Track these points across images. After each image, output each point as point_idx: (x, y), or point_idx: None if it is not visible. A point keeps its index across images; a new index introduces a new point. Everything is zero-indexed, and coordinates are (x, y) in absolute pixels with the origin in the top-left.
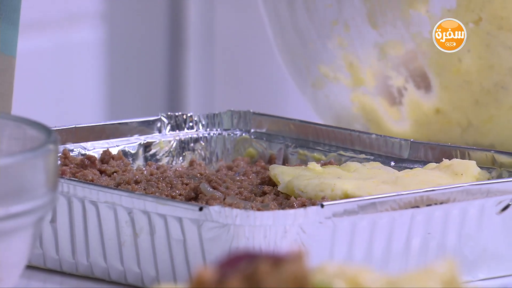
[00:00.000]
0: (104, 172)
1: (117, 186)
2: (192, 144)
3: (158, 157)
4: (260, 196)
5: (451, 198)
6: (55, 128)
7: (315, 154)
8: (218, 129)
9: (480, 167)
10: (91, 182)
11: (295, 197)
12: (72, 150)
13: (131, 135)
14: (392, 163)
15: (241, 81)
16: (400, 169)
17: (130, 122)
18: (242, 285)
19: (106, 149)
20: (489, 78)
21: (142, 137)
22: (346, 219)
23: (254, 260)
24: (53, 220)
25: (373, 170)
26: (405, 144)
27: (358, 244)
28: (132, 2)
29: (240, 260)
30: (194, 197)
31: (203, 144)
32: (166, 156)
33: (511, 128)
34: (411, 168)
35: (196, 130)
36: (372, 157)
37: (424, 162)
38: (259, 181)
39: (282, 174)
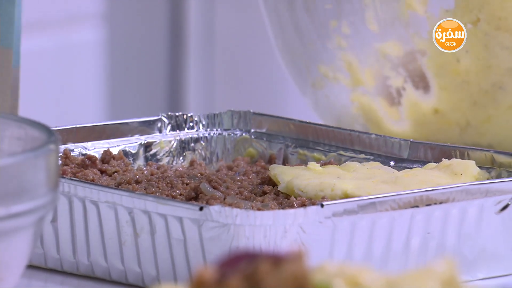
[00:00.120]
0: (105, 172)
1: (117, 186)
2: (192, 144)
3: (158, 157)
4: (260, 196)
5: (450, 198)
6: (56, 128)
7: (315, 154)
8: (219, 129)
9: (480, 167)
10: (92, 182)
11: (295, 197)
12: (72, 150)
13: (132, 135)
14: (392, 163)
15: (241, 81)
16: (399, 169)
17: (131, 122)
18: (242, 285)
19: (106, 149)
20: (487, 79)
21: (143, 137)
22: (346, 218)
23: (254, 260)
24: (54, 220)
25: (373, 170)
26: (404, 144)
27: (358, 243)
28: (132, 2)
29: (240, 259)
30: (195, 197)
31: (203, 144)
32: (166, 156)
33: (509, 128)
34: (411, 168)
35: (197, 130)
36: (371, 157)
37: (423, 162)
38: (259, 181)
39: (282, 174)
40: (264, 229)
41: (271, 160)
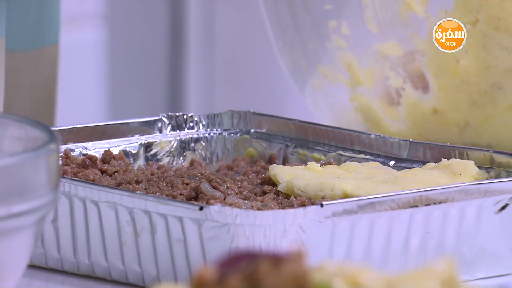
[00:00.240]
0: (105, 172)
1: (118, 186)
2: (192, 144)
3: (159, 157)
4: (260, 195)
5: (449, 198)
6: (56, 128)
7: (315, 154)
8: (219, 129)
9: (479, 167)
10: (92, 182)
11: (295, 197)
12: (73, 150)
13: (132, 135)
14: (391, 163)
15: (241, 81)
16: (399, 169)
17: (131, 122)
18: (242, 285)
19: (107, 149)
20: (486, 79)
21: (143, 137)
22: (346, 218)
23: (254, 260)
24: (54, 220)
25: (372, 170)
26: (404, 144)
27: (358, 243)
28: (133, 3)
29: (240, 259)
30: (195, 196)
31: (203, 144)
32: (166, 156)
33: (508, 128)
34: (410, 168)
35: (197, 130)
36: (371, 157)
37: (422, 162)
38: (259, 181)
39: (282, 174)
40: (264, 229)
41: (271, 160)
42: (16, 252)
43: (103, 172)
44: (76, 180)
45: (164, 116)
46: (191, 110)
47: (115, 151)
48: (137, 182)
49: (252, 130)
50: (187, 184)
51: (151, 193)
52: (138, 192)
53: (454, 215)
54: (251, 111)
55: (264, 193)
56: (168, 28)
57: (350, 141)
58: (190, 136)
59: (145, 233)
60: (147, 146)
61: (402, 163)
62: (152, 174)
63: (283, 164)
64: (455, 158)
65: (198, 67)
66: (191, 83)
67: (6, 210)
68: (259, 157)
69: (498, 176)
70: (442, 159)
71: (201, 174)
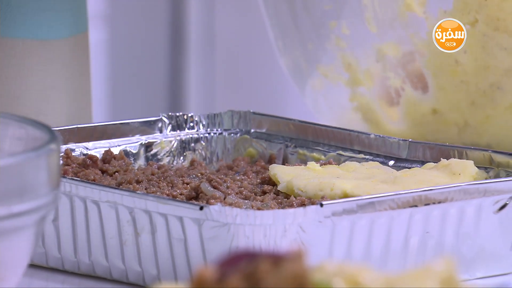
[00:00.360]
0: (106, 171)
1: (118, 186)
2: (192, 144)
3: (159, 157)
4: (260, 195)
5: (449, 198)
6: (57, 128)
7: (315, 154)
8: (219, 129)
9: (478, 167)
10: (93, 181)
11: (294, 197)
12: (74, 150)
13: (133, 135)
14: (391, 163)
15: (241, 81)
16: (398, 168)
17: (132, 122)
18: (242, 284)
19: (107, 149)
20: (486, 79)
21: (144, 137)
22: (345, 218)
23: (254, 259)
24: (55, 219)
25: (372, 169)
26: (403, 144)
27: (357, 243)
28: (134, 4)
29: (240, 259)
30: (195, 196)
31: (203, 144)
32: (167, 156)
33: (507, 128)
34: (410, 168)
35: (197, 130)
36: (370, 157)
37: (422, 162)
38: (259, 180)
39: (282, 173)
40: (264, 229)
41: (271, 160)
42: (16, 252)
43: (103, 172)
44: (76, 180)
45: (164, 116)
46: (191, 110)
47: (115, 151)
48: (138, 182)
49: (252, 130)
50: (187, 184)
51: (152, 193)
52: (138, 192)
53: (453, 215)
54: (251, 111)
55: (264, 193)
56: (169, 29)
57: (350, 141)
58: (190, 136)
59: (145, 233)
60: (148, 146)
61: (402, 163)
62: (153, 174)
63: (283, 164)
64: (455, 158)
65: (198, 67)
66: (191, 83)
67: (6, 210)
68: (259, 157)
69: (497, 176)
70: (441, 159)
71: (201, 174)
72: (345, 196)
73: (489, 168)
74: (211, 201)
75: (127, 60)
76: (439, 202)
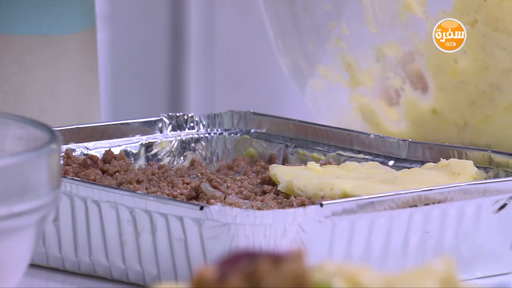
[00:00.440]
0: (106, 171)
1: (119, 186)
2: (193, 144)
3: (159, 157)
4: (260, 195)
5: (448, 198)
6: (58, 128)
7: (315, 154)
8: (219, 129)
9: (477, 167)
10: (94, 181)
11: (294, 197)
12: (74, 150)
13: (133, 135)
14: (391, 163)
15: (241, 82)
16: (398, 168)
17: (132, 122)
18: (242, 284)
19: (108, 149)
20: (485, 79)
21: (144, 137)
22: (345, 218)
23: (254, 259)
24: (56, 219)
25: (372, 169)
26: (403, 144)
27: (357, 242)
28: (134, 4)
29: (240, 259)
30: (195, 196)
31: (204, 144)
32: (167, 156)
33: (507, 129)
34: (409, 168)
35: (197, 130)
36: (370, 157)
37: (422, 162)
38: (259, 180)
39: (282, 173)
40: (264, 229)
41: (271, 160)
42: (17, 252)
43: (104, 172)
44: (77, 180)
45: (164, 116)
46: (192, 110)
47: (116, 151)
48: (138, 182)
49: (252, 130)
50: (187, 184)
51: (152, 193)
52: (139, 192)
53: (453, 215)
54: (251, 111)
55: (264, 192)
56: (169, 29)
57: (350, 141)
58: (191, 136)
59: (145, 233)
60: (148, 146)
61: (401, 163)
62: (153, 174)
63: (283, 164)
64: (454, 158)
65: (199, 68)
66: (191, 83)
67: (7, 209)
68: (259, 157)
69: (496, 176)
70: (441, 159)
71: (202, 174)
72: (345, 196)
73: (488, 168)
74: (211, 201)
75: (127, 60)
76: (439, 202)
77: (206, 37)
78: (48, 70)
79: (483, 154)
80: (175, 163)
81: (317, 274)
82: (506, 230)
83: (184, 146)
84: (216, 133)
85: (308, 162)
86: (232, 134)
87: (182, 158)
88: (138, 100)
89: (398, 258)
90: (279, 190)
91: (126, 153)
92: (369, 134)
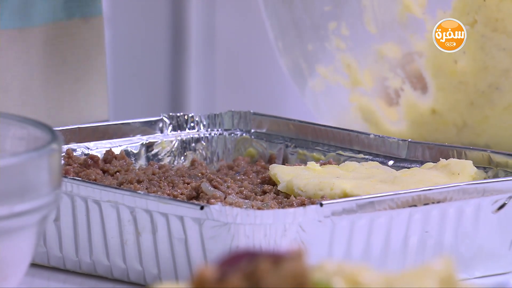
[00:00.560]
0: (107, 171)
1: (119, 186)
2: (193, 144)
3: (160, 157)
4: (260, 195)
5: (448, 197)
6: (58, 128)
7: (314, 154)
8: (219, 129)
9: (477, 167)
10: (94, 181)
11: (294, 196)
12: (75, 150)
13: (134, 135)
14: (390, 163)
15: (241, 82)
16: (398, 168)
17: (133, 122)
18: (242, 283)
19: (109, 149)
20: (484, 80)
21: (144, 137)
22: (345, 217)
23: (254, 259)
24: (56, 219)
25: (371, 169)
26: (402, 144)
27: (357, 242)
28: (134, 4)
29: (241, 258)
30: (196, 196)
31: (204, 144)
32: (168, 156)
33: (506, 129)
34: (409, 168)
35: (198, 130)
36: (370, 157)
37: (421, 162)
38: (259, 180)
39: (282, 173)
40: (264, 228)
41: (271, 160)
42: (18, 251)
43: (104, 171)
44: (78, 179)
45: (165, 116)
46: (192, 110)
47: (116, 151)
48: (139, 181)
49: (252, 130)
50: (188, 183)
51: (152, 193)
52: (139, 191)
53: (452, 214)
54: (251, 111)
55: (264, 192)
56: (169, 29)
57: (349, 141)
58: (191, 136)
59: (146, 232)
60: (149, 146)
61: (401, 163)
62: (153, 174)
63: (283, 164)
64: (454, 158)
65: (199, 68)
66: (192, 83)
67: (8, 209)
68: (259, 157)
69: (496, 176)
70: (440, 158)
71: (202, 174)
72: (345, 195)
73: (488, 168)
74: (212, 200)
75: (127, 60)
76: (438, 202)
77: (206, 37)
78: (21, 64)
79: (483, 154)
80: (175, 163)
81: (317, 273)
82: (505, 229)
83: (185, 146)
84: (216, 133)
85: (308, 162)
86: (232, 134)
87: (182, 158)
88: (139, 100)
89: (397, 257)
90: (279, 190)
91: (127, 153)
92: (369, 134)
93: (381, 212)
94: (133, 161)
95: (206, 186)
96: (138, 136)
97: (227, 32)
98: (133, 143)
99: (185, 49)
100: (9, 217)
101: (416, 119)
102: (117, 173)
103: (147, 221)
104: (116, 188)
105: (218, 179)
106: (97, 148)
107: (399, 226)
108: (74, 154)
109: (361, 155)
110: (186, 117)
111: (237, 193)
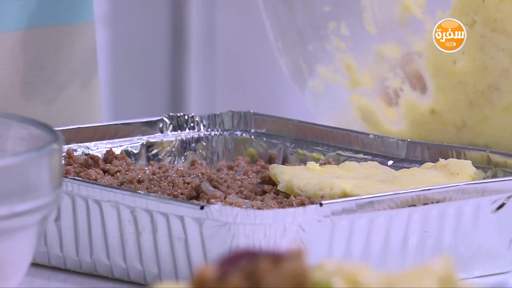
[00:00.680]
0: (107, 171)
1: (120, 185)
2: (193, 144)
3: (160, 156)
4: (260, 195)
5: (447, 197)
6: (59, 128)
7: (314, 154)
8: (219, 129)
9: (476, 167)
10: (95, 181)
11: (294, 196)
12: (76, 150)
13: (134, 135)
14: (390, 163)
15: (241, 82)
16: (397, 168)
17: (133, 122)
18: (242, 283)
19: (109, 149)
20: (483, 80)
21: (145, 137)
22: (345, 217)
23: (254, 258)
24: (57, 219)
25: (371, 169)
26: (402, 144)
27: (356, 242)
28: (135, 5)
29: (241, 258)
30: (196, 196)
31: (204, 144)
32: (168, 156)
33: (505, 129)
34: (408, 168)
35: (198, 131)
36: (369, 157)
37: (420, 162)
38: (259, 180)
39: (282, 173)
40: (264, 228)
41: (271, 160)
42: (19, 251)
43: (105, 171)
44: (78, 179)
45: (165, 117)
46: (192, 110)
47: (117, 151)
48: (139, 181)
49: (252, 130)
50: (188, 183)
51: (153, 193)
52: (139, 191)
53: (451, 214)
54: (251, 111)
55: (264, 192)
56: (170, 30)
57: (349, 141)
58: (191, 136)
59: (146, 232)
60: (149, 146)
61: (401, 162)
62: (154, 174)
63: (283, 164)
64: (453, 158)
65: (199, 69)
66: (192, 84)
67: (9, 209)
68: (259, 157)
69: (495, 176)
70: (439, 158)
71: (202, 174)
72: (345, 195)
73: (487, 168)
74: (212, 200)
75: (127, 60)
76: (438, 202)
77: (206, 37)
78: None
79: (482, 154)
80: (175, 163)
81: (316, 273)
82: (505, 229)
83: (185, 146)
84: (216, 133)
85: (307, 162)
86: (232, 134)
87: (182, 158)
88: (139, 100)
89: (397, 257)
90: (279, 190)
91: (127, 153)
92: (368, 134)
93: (381, 212)
94: (134, 161)
95: (206, 186)
96: (139, 136)
97: (227, 32)
98: (134, 143)
99: (185, 49)
100: (9, 217)
101: (416, 119)
102: (118, 173)
103: (148, 221)
104: (116, 188)
105: (218, 179)
106: (98, 148)
107: (398, 226)
108: (75, 154)
109: (361, 155)
110: (186, 117)
111: (237, 193)
